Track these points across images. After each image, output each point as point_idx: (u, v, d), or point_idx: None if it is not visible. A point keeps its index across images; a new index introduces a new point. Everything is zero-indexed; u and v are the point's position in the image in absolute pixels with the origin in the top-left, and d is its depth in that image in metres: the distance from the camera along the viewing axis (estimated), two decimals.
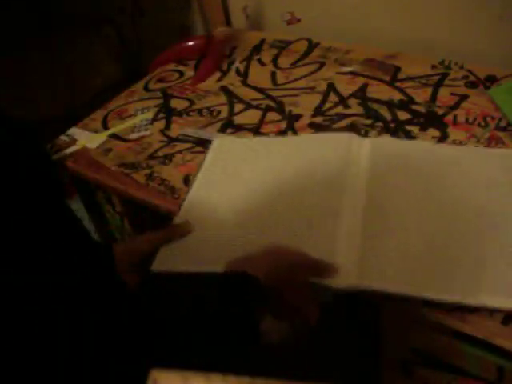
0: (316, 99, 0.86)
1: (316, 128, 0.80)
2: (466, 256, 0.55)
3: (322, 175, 0.67)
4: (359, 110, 0.83)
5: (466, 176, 0.65)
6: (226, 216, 0.65)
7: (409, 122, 0.78)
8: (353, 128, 0.78)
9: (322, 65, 0.96)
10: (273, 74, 0.96)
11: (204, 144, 0.80)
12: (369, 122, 0.79)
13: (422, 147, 0.72)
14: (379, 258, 0.56)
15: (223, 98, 0.91)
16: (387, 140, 0.74)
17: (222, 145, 0.78)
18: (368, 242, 0.58)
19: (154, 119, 0.89)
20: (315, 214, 0.62)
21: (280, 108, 0.86)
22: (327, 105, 0.85)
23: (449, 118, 0.78)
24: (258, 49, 1.05)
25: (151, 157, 0.80)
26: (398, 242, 0.57)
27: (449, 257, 0.55)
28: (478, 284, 0.53)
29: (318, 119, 0.82)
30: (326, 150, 0.72)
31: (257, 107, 0.87)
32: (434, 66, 0.89)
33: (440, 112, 0.79)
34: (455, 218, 0.59)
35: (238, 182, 0.70)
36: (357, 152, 0.70)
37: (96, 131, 0.89)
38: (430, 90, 0.84)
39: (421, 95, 0.83)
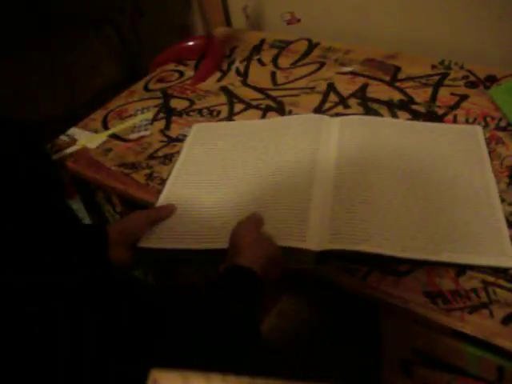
0: (316, 99, 0.86)
1: None
2: (427, 216, 0.61)
3: (295, 154, 0.72)
4: (359, 110, 0.83)
5: (428, 146, 0.71)
6: (205, 196, 0.69)
7: None
8: None
9: (322, 65, 0.96)
10: (273, 74, 0.96)
11: None
12: None
13: (389, 122, 0.77)
14: (348, 224, 0.60)
15: (223, 98, 0.91)
16: (355, 117, 0.79)
17: (201, 130, 0.83)
18: (338, 211, 0.62)
19: (154, 119, 0.89)
20: (289, 190, 0.66)
21: (280, 108, 0.86)
22: (327, 105, 0.85)
23: (449, 117, 0.78)
24: (257, 49, 1.05)
25: (151, 157, 0.80)
26: (366, 207, 0.62)
27: (415, 217, 0.60)
28: (441, 243, 0.57)
29: None
30: (298, 131, 0.77)
31: (257, 107, 0.87)
32: (434, 66, 0.89)
33: (440, 112, 0.79)
34: (421, 185, 0.65)
35: (216, 163, 0.75)
36: (327, 130, 0.75)
37: (96, 131, 0.89)
38: (430, 90, 0.84)
39: (421, 95, 0.83)
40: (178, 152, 0.80)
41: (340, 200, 0.63)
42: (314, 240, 0.59)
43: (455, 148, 0.70)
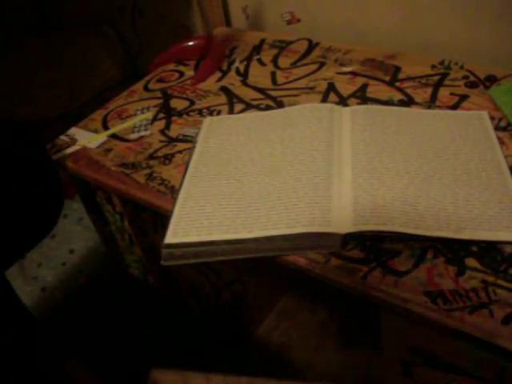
0: (316, 99, 0.86)
1: None
2: (445, 198, 0.63)
3: (311, 142, 0.73)
4: None
5: (438, 132, 0.74)
6: (225, 187, 0.70)
7: None
8: None
9: (322, 65, 0.96)
10: (273, 74, 0.96)
11: None
12: None
13: (397, 111, 0.79)
14: (371, 206, 0.62)
15: (223, 98, 0.91)
16: (365, 107, 0.81)
17: (213, 122, 0.84)
18: (359, 194, 0.64)
19: (154, 119, 0.89)
20: (308, 178, 0.68)
21: (280, 108, 0.86)
22: None
23: None
24: (257, 49, 1.05)
25: (151, 157, 0.80)
26: (386, 190, 0.64)
27: (433, 199, 0.62)
28: (461, 221, 0.60)
29: None
30: (311, 119, 0.78)
31: (257, 107, 0.87)
32: (434, 66, 0.89)
33: None
34: (436, 169, 0.67)
35: (232, 154, 0.75)
36: (339, 119, 0.77)
37: (96, 131, 0.89)
38: (429, 90, 0.84)
39: (421, 95, 0.83)
40: (180, 152, 0.80)
41: (360, 184, 0.65)
42: (339, 224, 0.60)
43: (465, 133, 0.73)
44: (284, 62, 0.99)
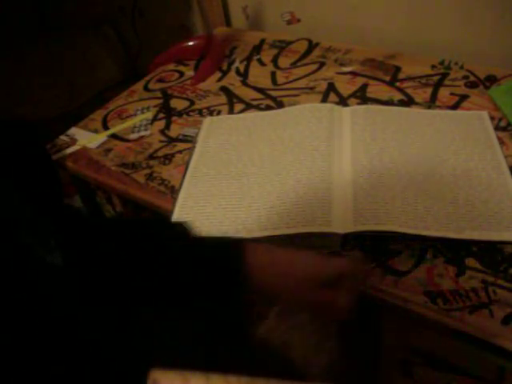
0: (316, 99, 0.86)
1: None
2: (445, 197, 0.63)
3: (311, 142, 0.74)
4: None
5: (438, 132, 0.74)
6: (225, 187, 0.70)
7: None
8: None
9: (322, 65, 0.96)
10: (273, 74, 0.96)
11: None
12: None
13: (397, 111, 0.79)
14: (370, 206, 0.62)
15: (223, 98, 0.91)
16: (365, 107, 0.81)
17: (213, 122, 0.84)
18: (359, 194, 0.64)
19: (154, 119, 0.89)
20: (308, 178, 0.68)
21: (280, 108, 0.86)
22: None
23: None
24: (257, 49, 1.05)
25: (151, 157, 0.80)
26: (386, 190, 0.64)
27: (433, 199, 0.63)
28: (461, 221, 0.60)
29: None
30: (311, 119, 0.78)
31: (257, 107, 0.87)
32: (434, 66, 0.90)
33: None
34: (436, 169, 0.67)
35: (232, 154, 0.76)
36: (339, 119, 0.78)
37: (96, 131, 0.89)
38: (430, 90, 0.84)
39: (421, 95, 0.83)
40: (180, 152, 0.80)
41: (360, 184, 0.65)
42: (339, 223, 0.61)
43: (465, 133, 0.73)
44: (284, 61, 0.99)
